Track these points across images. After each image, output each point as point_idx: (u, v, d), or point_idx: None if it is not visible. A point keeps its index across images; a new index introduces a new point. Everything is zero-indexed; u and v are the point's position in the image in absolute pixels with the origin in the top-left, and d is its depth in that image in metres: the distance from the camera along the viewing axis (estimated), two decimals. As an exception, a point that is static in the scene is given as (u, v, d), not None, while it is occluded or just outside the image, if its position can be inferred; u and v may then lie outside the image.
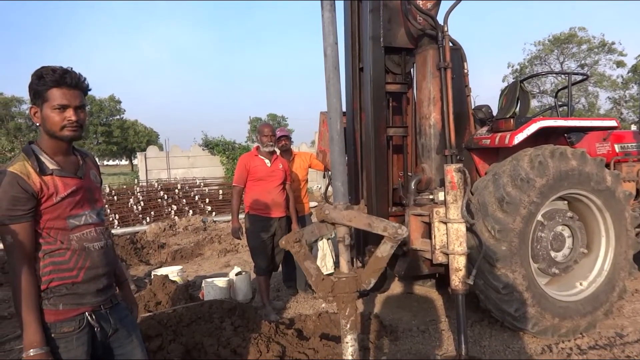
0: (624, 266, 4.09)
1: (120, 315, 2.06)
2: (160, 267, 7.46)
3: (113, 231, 9.63)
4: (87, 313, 1.89)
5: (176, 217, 12.14)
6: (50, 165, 1.85)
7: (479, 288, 3.67)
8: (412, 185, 3.94)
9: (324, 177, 4.25)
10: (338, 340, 3.37)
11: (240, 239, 4.90)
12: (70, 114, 1.84)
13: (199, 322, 3.77)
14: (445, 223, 3.43)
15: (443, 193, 3.51)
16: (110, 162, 65.38)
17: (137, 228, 11.01)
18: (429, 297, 5.02)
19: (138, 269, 7.74)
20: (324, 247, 6.03)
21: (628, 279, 4.15)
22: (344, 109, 4.38)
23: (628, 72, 33.85)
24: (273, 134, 4.74)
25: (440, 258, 3.50)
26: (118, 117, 49.81)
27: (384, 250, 2.76)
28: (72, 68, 1.89)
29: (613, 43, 34.07)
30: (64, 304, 1.84)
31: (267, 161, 4.69)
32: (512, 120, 3.96)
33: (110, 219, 11.88)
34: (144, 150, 17.77)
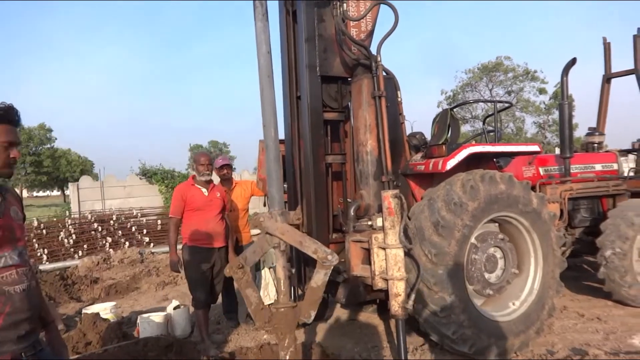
0: (552, 285, 4.29)
1: None
2: (92, 304, 7.01)
3: (41, 267, 9.01)
4: None
5: (111, 250, 11.54)
6: None
7: (418, 312, 3.72)
8: (352, 211, 3.97)
9: (264, 204, 4.23)
10: (280, 372, 3.29)
11: (180, 272, 4.73)
12: (15, 153, 1.81)
13: (133, 362, 3.57)
14: (384, 249, 3.47)
15: (381, 219, 3.56)
16: (41, 193, 61.87)
17: (67, 263, 10.36)
18: (371, 324, 5.02)
19: (68, 306, 7.24)
20: (266, 276, 5.93)
21: (556, 297, 4.35)
22: (281, 136, 4.39)
23: (550, 99, 36.40)
24: (210, 163, 4.65)
25: (380, 284, 3.53)
26: (49, 145, 47.33)
27: (318, 279, 2.74)
28: (11, 104, 1.84)
29: (535, 71, 36.67)
30: None
31: (204, 190, 4.59)
32: (444, 147, 4.11)
33: (39, 254, 11.13)
34: (77, 180, 16.92)
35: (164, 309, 5.71)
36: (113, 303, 5.69)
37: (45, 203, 44.53)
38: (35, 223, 12.20)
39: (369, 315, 5.24)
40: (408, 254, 3.51)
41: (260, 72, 2.64)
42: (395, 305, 3.38)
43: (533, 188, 4.50)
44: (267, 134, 2.75)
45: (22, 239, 1.91)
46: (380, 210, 3.79)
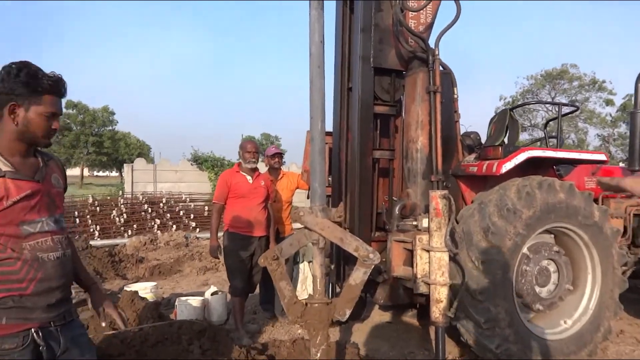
0: (610, 305, 3.97)
1: (74, 334, 1.88)
2: (136, 282, 7.23)
3: (92, 242, 9.35)
4: (33, 329, 1.72)
5: (159, 232, 11.89)
6: (2, 166, 1.71)
7: (460, 321, 3.52)
8: (396, 210, 3.81)
9: (307, 197, 4.16)
10: (311, 369, 3.19)
11: (219, 258, 4.73)
12: (56, 124, 1.81)
13: (166, 343, 3.57)
14: (427, 251, 3.30)
15: (427, 220, 3.40)
16: (100, 173, 64.73)
17: (117, 240, 10.75)
18: (409, 327, 4.84)
19: (113, 283, 7.49)
20: (305, 270, 5.87)
21: (613, 319, 4.02)
22: (329, 128, 4.28)
23: (617, 111, 34.42)
24: (256, 151, 4.62)
25: (421, 288, 3.36)
26: (110, 128, 49.44)
27: (357, 277, 2.62)
28: (60, 75, 1.84)
29: (604, 81, 34.77)
30: (9, 318, 1.67)
31: (248, 178, 4.56)
32: (500, 149, 3.87)
33: (91, 229, 11.63)
34: (133, 162, 17.56)
35: (203, 293, 5.75)
36: (154, 283, 5.79)
37: (104, 182, 46.66)
38: (90, 200, 12.73)
39: (407, 319, 5.06)
40: (453, 258, 3.32)
41: (312, 61, 2.55)
42: (436, 312, 3.21)
43: (595, 200, 4.18)
44: (313, 126, 2.65)
45: (60, 207, 1.90)
46: (426, 210, 3.62)
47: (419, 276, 3.35)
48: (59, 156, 46.85)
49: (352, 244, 2.58)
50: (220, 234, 4.68)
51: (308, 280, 5.94)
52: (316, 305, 2.75)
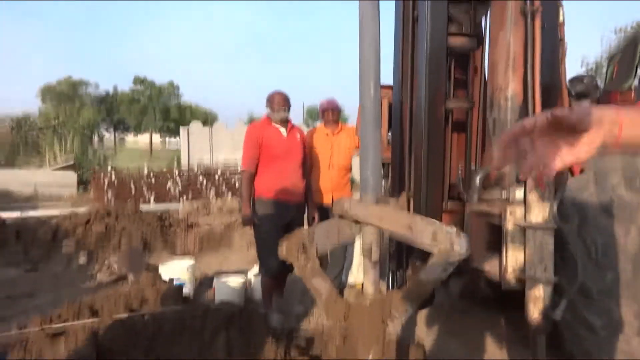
0: None
1: None
2: (182, 258, 6.80)
3: (143, 207, 9.02)
4: None
5: (213, 198, 11.56)
6: None
7: (564, 323, 2.60)
8: (477, 180, 2.89)
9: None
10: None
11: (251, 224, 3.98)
12: None
13: (184, 333, 2.95)
14: (524, 229, 2.39)
15: (522, 190, 2.48)
16: (172, 139, 66.91)
17: (170, 205, 10.48)
18: (486, 322, 3.93)
19: (161, 256, 7.08)
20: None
21: None
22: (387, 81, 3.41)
23: None
24: (286, 102, 3.84)
25: (512, 280, 2.48)
26: (176, 102, 50.58)
27: (432, 272, 1.84)
28: None
29: None
30: None
31: (282, 130, 3.79)
32: (632, 93, 2.80)
33: (147, 197, 11.46)
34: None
35: (247, 272, 5.19)
36: (192, 262, 5.21)
37: (172, 148, 48.46)
38: (146, 172, 12.59)
39: (486, 313, 4.13)
40: (560, 242, 2.40)
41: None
42: (534, 313, 2.32)
43: None
44: (364, 88, 1.92)
45: None
46: (519, 180, 2.70)
47: (510, 268, 2.46)
48: (129, 123, 49.26)
49: (426, 230, 1.79)
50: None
51: (364, 263, 5.15)
52: (367, 303, 2.03)
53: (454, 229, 1.89)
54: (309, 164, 4.18)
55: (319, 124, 4.81)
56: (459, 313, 4.17)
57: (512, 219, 2.44)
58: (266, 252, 3.79)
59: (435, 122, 3.06)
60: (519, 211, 2.42)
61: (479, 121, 3.23)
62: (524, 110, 2.80)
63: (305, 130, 5.02)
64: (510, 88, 2.92)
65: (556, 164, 0.82)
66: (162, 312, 3.06)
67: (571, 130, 0.80)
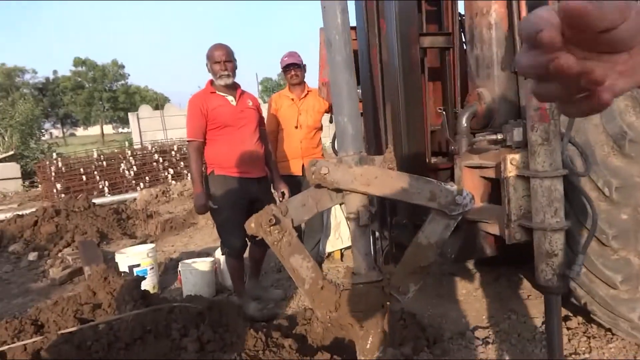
0: None
1: None
2: (144, 241, 6.30)
3: (95, 200, 8.39)
4: None
5: (173, 182, 10.94)
6: None
7: (579, 280, 2.32)
8: (464, 121, 2.54)
9: (331, 121, 2.83)
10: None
11: (209, 211, 3.48)
12: None
13: (147, 337, 2.53)
14: (527, 178, 2.06)
15: (520, 130, 2.14)
16: (125, 130, 64.41)
17: (126, 196, 9.86)
18: (491, 287, 3.61)
19: (120, 243, 6.52)
20: (337, 214, 4.71)
21: None
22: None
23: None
24: (229, 59, 3.26)
25: (518, 235, 2.16)
26: (122, 82, 48.13)
27: (432, 232, 1.50)
28: None
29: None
30: None
31: (230, 98, 3.28)
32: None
33: (100, 186, 10.74)
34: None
35: (214, 251, 4.74)
36: (152, 245, 4.74)
37: (120, 139, 46.42)
38: (95, 155, 11.78)
39: (488, 275, 3.84)
40: (571, 186, 2.09)
41: None
42: (547, 272, 2.02)
43: None
44: (329, 15, 1.51)
45: None
46: (516, 116, 2.36)
47: (513, 217, 2.14)
48: (76, 115, 46.80)
49: (423, 189, 1.45)
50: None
51: (343, 226, 4.79)
52: (360, 287, 1.68)
53: (454, 186, 1.56)
54: (266, 131, 3.72)
55: (282, 90, 4.33)
56: (456, 278, 3.87)
57: (512, 168, 2.11)
58: (227, 232, 3.36)
59: (410, 64, 2.66)
60: (519, 158, 2.08)
61: (457, 59, 2.83)
62: (511, 37, 2.45)
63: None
64: (493, 11, 2.54)
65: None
66: (117, 318, 2.62)
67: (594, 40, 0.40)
